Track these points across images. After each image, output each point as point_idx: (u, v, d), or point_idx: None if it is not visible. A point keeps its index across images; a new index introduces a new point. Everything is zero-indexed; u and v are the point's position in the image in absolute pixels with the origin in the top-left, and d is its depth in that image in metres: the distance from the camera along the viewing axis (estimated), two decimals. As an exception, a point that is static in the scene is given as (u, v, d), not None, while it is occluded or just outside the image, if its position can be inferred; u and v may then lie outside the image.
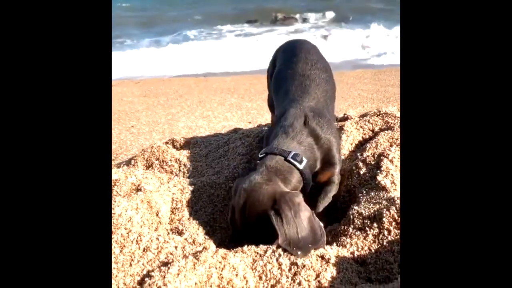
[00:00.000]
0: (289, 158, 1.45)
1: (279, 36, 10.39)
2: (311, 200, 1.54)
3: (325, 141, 1.54)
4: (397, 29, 9.45)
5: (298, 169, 1.45)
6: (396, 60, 7.36)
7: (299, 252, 1.23)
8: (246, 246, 1.28)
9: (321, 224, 1.37)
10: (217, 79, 7.12)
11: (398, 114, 2.01)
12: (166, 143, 2.21)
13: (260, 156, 1.53)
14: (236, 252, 1.26)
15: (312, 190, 1.56)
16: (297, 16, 13.16)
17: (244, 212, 1.36)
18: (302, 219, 1.31)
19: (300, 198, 1.37)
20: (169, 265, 1.16)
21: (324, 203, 1.57)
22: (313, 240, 1.29)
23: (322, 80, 1.77)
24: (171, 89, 6.49)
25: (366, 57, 8.68)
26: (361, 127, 2.00)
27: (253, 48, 9.19)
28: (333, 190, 1.59)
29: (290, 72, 1.80)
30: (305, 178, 1.47)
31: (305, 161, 1.47)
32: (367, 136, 1.94)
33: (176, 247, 1.31)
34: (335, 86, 1.91)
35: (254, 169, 1.48)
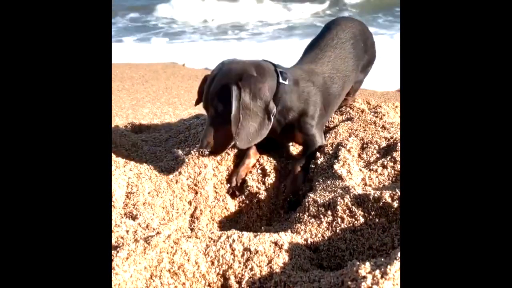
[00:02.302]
0: (277, 69, 1.54)
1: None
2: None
3: (306, 101, 1.61)
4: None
5: (278, 81, 1.52)
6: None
7: (238, 143, 1.39)
8: (199, 232, 1.27)
9: (272, 112, 1.46)
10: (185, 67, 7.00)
11: (362, 107, 2.03)
12: (125, 126, 2.15)
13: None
14: (190, 237, 1.24)
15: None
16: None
17: (211, 84, 1.45)
18: (257, 104, 1.41)
19: (264, 84, 1.45)
20: (118, 249, 1.13)
21: (299, 163, 1.64)
22: (260, 128, 1.42)
23: (338, 59, 1.80)
24: (137, 74, 6.34)
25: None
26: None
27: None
28: (310, 157, 1.65)
29: (315, 44, 1.87)
30: (277, 95, 1.52)
31: (287, 83, 1.54)
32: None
33: (127, 231, 1.28)
34: (356, 71, 1.92)
35: None
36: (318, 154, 1.64)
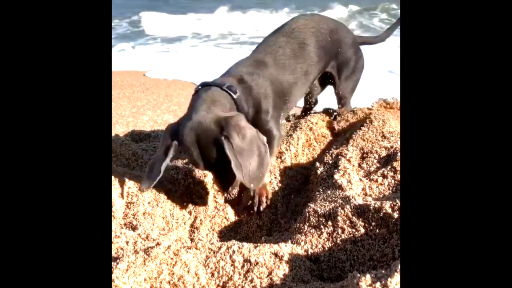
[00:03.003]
0: (224, 88, 1.53)
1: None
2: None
3: (257, 96, 1.62)
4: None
5: (232, 97, 1.53)
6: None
7: (250, 185, 1.40)
8: (199, 242, 1.26)
9: (264, 140, 1.45)
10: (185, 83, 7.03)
11: (360, 115, 2.03)
12: (126, 135, 2.15)
13: (195, 89, 1.59)
14: (190, 248, 1.24)
15: None
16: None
17: (200, 148, 1.41)
18: (248, 141, 1.40)
19: (243, 120, 1.45)
20: (118, 261, 1.12)
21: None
22: (260, 161, 1.42)
23: (293, 44, 1.78)
24: (138, 81, 6.36)
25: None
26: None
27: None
28: (270, 149, 1.62)
29: (273, 33, 1.86)
30: (239, 108, 1.55)
31: (238, 93, 1.55)
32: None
33: (127, 242, 1.27)
34: (325, 56, 1.88)
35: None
36: (317, 164, 1.64)
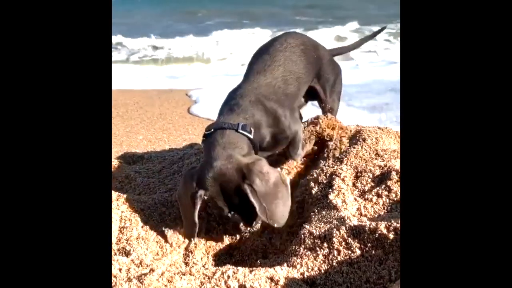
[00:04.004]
0: (240, 130, 1.51)
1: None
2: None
3: (270, 113, 1.62)
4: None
5: (249, 138, 1.52)
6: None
7: (275, 225, 1.43)
8: (194, 267, 1.25)
9: (288, 182, 1.51)
10: (180, 92, 7.04)
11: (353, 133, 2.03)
12: (118, 158, 2.14)
13: (207, 132, 1.56)
14: (184, 274, 1.22)
15: None
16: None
17: (224, 197, 1.43)
18: (271, 185, 1.44)
19: (265, 165, 1.47)
20: (110, 290, 1.10)
21: (297, 156, 1.74)
22: (284, 202, 1.47)
23: (289, 61, 1.79)
24: (132, 100, 6.36)
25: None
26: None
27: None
28: (296, 148, 1.72)
29: (262, 52, 1.85)
30: (255, 147, 1.56)
31: (253, 130, 1.55)
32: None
33: (120, 270, 1.25)
34: (312, 72, 1.92)
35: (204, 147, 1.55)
36: (312, 184, 1.63)
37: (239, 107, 1.59)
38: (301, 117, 2.21)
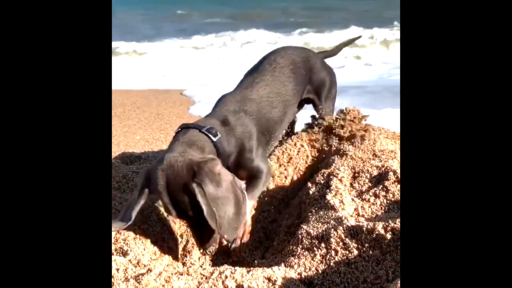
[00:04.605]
0: (203, 130, 1.47)
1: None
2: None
3: (241, 136, 1.57)
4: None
5: (212, 141, 1.47)
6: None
7: (225, 236, 1.31)
8: (191, 267, 1.24)
9: (243, 186, 1.41)
10: (177, 92, 7.04)
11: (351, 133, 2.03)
12: (116, 158, 2.14)
13: (176, 130, 1.55)
14: (181, 274, 1.22)
15: None
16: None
17: (170, 195, 1.32)
18: (224, 188, 1.32)
19: (218, 166, 1.37)
20: (108, 290, 1.10)
21: (255, 194, 1.59)
22: (237, 209, 1.34)
23: (277, 82, 1.78)
24: (129, 100, 6.35)
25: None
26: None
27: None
28: (258, 184, 1.60)
29: (251, 70, 1.86)
30: (219, 152, 1.48)
31: (219, 135, 1.49)
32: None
33: (117, 270, 1.24)
34: (301, 92, 1.91)
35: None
36: (309, 184, 1.63)
37: (216, 112, 1.61)
38: (294, 121, 2.22)
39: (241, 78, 1.88)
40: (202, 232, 1.37)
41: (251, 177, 1.59)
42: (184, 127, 1.52)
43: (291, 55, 1.92)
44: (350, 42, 2.47)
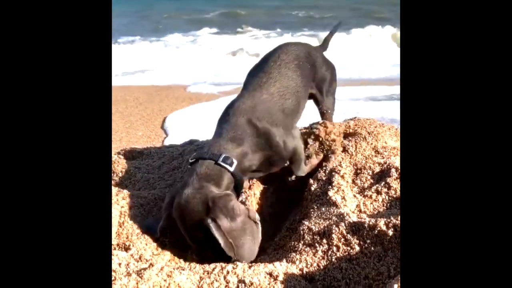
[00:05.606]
0: (220, 162, 1.46)
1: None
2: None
3: (263, 135, 1.55)
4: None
5: (229, 171, 1.47)
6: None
7: (243, 261, 1.32)
8: (193, 262, 1.25)
9: (257, 218, 1.43)
10: (179, 87, 7.04)
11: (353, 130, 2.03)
12: (118, 153, 2.14)
13: (190, 161, 1.54)
14: (183, 269, 1.22)
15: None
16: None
17: (185, 227, 1.39)
18: (238, 221, 1.36)
19: (233, 201, 1.40)
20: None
21: (302, 173, 1.67)
22: (252, 239, 1.38)
23: (284, 77, 1.76)
24: (131, 97, 6.36)
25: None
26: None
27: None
28: (299, 166, 1.64)
29: (256, 69, 1.82)
30: (236, 179, 1.49)
31: (235, 163, 1.48)
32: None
33: (119, 264, 1.25)
34: (309, 84, 1.90)
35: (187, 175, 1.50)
36: (311, 180, 1.63)
37: (228, 130, 1.54)
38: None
39: (246, 78, 1.84)
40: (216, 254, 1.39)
41: (290, 161, 1.65)
42: (200, 158, 1.50)
43: (294, 51, 1.90)
44: (334, 32, 2.36)
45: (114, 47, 10.25)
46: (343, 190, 1.53)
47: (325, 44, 2.23)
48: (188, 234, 1.40)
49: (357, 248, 1.26)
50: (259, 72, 1.78)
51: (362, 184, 1.58)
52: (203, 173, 1.45)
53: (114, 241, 1.47)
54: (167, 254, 1.48)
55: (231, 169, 1.47)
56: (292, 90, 1.75)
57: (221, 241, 1.31)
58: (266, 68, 1.78)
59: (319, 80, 2.00)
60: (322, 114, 2.05)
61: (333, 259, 1.26)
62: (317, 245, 1.31)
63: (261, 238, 1.43)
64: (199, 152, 1.55)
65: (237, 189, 1.52)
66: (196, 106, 5.80)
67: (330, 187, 1.55)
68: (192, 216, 1.37)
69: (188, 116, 5.30)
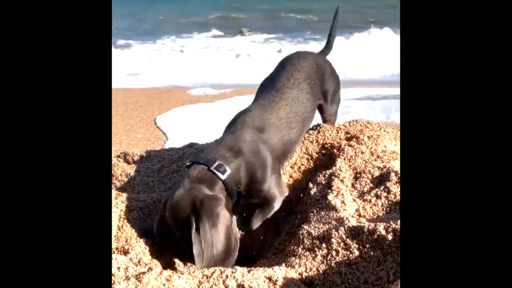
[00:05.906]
0: (212, 168, 1.46)
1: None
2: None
3: (254, 167, 1.53)
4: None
5: (220, 179, 1.46)
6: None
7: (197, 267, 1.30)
8: (192, 266, 1.25)
9: (238, 236, 1.45)
10: (180, 90, 7.04)
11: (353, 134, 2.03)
12: (118, 156, 2.14)
13: (187, 164, 1.55)
14: (182, 273, 1.22)
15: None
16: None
17: (177, 228, 1.38)
18: (219, 231, 1.36)
19: (220, 206, 1.40)
20: (108, 288, 1.10)
21: (256, 223, 1.60)
22: (226, 255, 1.38)
23: (295, 101, 1.74)
24: (131, 99, 6.36)
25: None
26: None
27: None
28: (267, 212, 1.60)
29: (269, 85, 1.81)
30: (228, 188, 1.48)
31: (228, 171, 1.47)
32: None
33: (118, 268, 1.25)
34: (317, 103, 1.90)
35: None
36: (311, 185, 1.63)
37: (230, 140, 1.55)
38: None
39: (258, 89, 1.82)
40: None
41: (262, 203, 1.60)
42: (195, 162, 1.50)
43: (306, 68, 1.88)
44: (335, 25, 2.25)
45: (113, 50, 10.28)
46: (342, 194, 1.53)
47: (329, 45, 2.23)
48: (180, 234, 1.38)
49: (357, 252, 1.26)
50: (271, 89, 1.76)
51: (362, 188, 1.58)
52: (195, 176, 1.45)
53: (113, 245, 1.46)
54: (167, 258, 1.48)
55: (223, 177, 1.46)
56: (300, 116, 1.74)
57: (195, 247, 1.30)
58: (279, 86, 1.76)
59: (326, 91, 2.00)
60: (325, 121, 2.06)
61: (333, 264, 1.26)
62: (316, 249, 1.31)
63: (236, 255, 1.42)
64: (196, 156, 1.56)
65: (229, 199, 1.50)
66: (195, 106, 5.80)
67: (329, 191, 1.55)
68: (181, 216, 1.37)
69: (188, 117, 5.31)
